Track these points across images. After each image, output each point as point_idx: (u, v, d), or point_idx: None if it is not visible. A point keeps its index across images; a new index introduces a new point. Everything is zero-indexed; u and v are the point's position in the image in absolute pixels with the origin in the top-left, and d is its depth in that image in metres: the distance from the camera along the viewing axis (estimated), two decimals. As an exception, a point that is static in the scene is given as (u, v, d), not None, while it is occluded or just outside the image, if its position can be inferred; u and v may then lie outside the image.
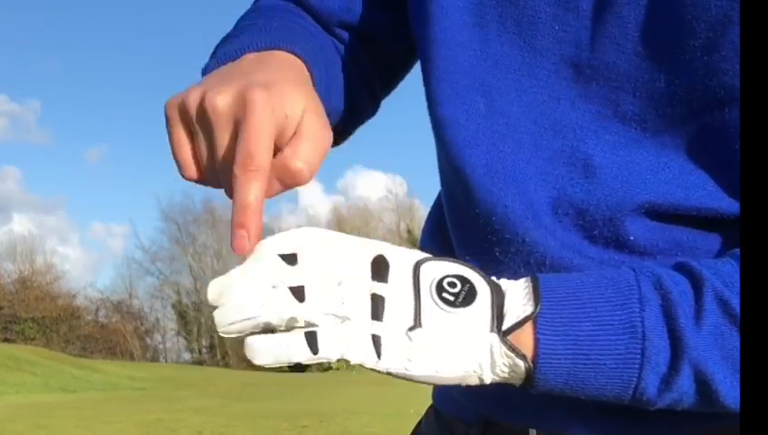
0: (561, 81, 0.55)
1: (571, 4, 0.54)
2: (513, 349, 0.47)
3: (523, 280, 0.49)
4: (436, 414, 0.72)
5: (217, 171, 0.52)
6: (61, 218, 56.76)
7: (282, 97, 0.50)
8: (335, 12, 0.68)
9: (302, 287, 0.46)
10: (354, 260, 0.47)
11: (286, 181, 0.51)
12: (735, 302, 0.47)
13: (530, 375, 0.48)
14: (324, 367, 33.51)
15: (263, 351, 0.45)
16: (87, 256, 55.84)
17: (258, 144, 0.48)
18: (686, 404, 0.49)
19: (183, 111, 0.53)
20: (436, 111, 0.59)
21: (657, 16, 0.52)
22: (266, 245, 0.48)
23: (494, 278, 0.49)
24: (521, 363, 0.47)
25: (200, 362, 35.59)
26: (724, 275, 0.48)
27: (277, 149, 0.51)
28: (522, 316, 0.47)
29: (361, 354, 0.46)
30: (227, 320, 0.46)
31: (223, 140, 0.51)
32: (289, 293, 0.46)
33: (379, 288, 0.46)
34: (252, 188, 0.48)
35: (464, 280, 0.47)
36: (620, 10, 0.53)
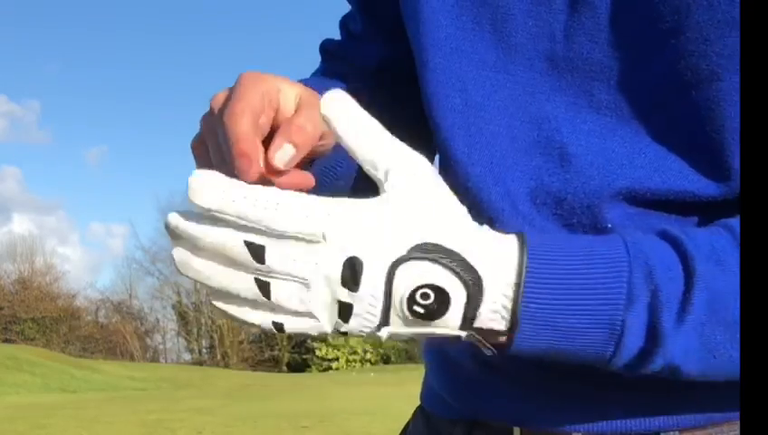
0: (536, 75, 0.56)
1: None
2: (481, 342, 0.47)
3: (509, 269, 0.46)
4: (423, 414, 0.72)
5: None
6: (60, 219, 56.88)
7: (272, 77, 0.55)
8: (371, 64, 0.73)
9: (267, 284, 0.45)
10: (327, 263, 0.45)
11: (293, 138, 0.52)
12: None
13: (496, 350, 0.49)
14: (324, 367, 33.58)
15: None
16: (87, 256, 55.95)
17: (245, 94, 0.52)
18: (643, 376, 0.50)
19: (200, 140, 0.57)
20: (426, 111, 0.60)
21: (628, 4, 0.53)
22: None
23: (471, 265, 0.45)
24: (486, 351, 0.48)
25: (200, 363, 35.59)
26: (719, 251, 0.47)
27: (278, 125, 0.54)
28: (493, 328, 0.46)
29: (322, 327, 0.46)
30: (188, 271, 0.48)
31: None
32: (255, 288, 0.46)
33: (346, 296, 0.45)
34: (241, 121, 0.51)
35: (438, 290, 0.45)
36: (593, 1, 0.54)
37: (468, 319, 0.46)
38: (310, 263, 0.45)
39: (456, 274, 0.45)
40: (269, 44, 56.34)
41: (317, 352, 33.84)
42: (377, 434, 7.61)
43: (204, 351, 37.85)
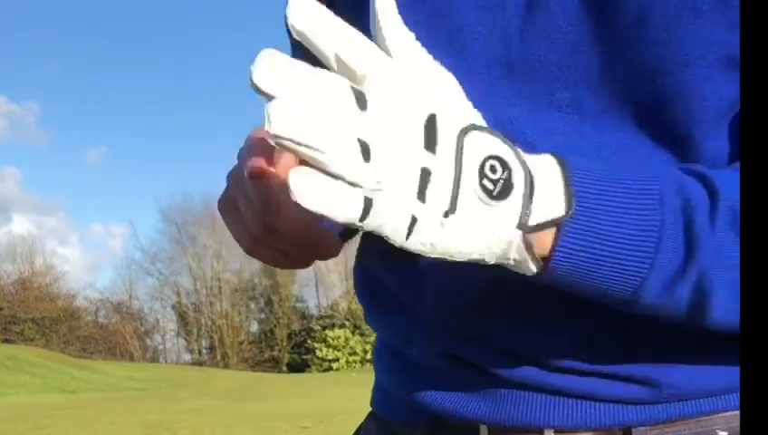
0: (494, 80, 0.56)
1: (496, 5, 0.56)
2: (530, 251, 0.46)
3: (551, 168, 0.46)
4: (376, 420, 0.71)
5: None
6: (60, 219, 56.96)
7: None
8: None
9: (368, 146, 0.42)
10: (412, 121, 0.43)
11: None
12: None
13: (537, 273, 0.47)
14: (324, 367, 33.59)
15: (311, 195, 0.41)
16: (87, 256, 56.02)
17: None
18: (673, 314, 0.49)
19: (227, 201, 0.56)
20: None
21: (584, 1, 0.53)
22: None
23: (522, 157, 0.46)
24: (532, 266, 0.47)
25: (200, 363, 35.62)
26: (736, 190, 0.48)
27: None
28: (549, 218, 0.46)
29: (394, 232, 0.43)
30: (288, 124, 0.40)
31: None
32: (358, 147, 0.41)
33: (428, 161, 0.43)
34: (258, 145, 0.50)
35: (504, 164, 0.45)
36: (547, 2, 0.54)
37: (525, 214, 0.45)
38: (402, 116, 0.43)
39: (512, 149, 0.45)
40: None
41: (317, 353, 33.87)
42: (377, 434, 7.60)
43: (204, 351, 37.89)
